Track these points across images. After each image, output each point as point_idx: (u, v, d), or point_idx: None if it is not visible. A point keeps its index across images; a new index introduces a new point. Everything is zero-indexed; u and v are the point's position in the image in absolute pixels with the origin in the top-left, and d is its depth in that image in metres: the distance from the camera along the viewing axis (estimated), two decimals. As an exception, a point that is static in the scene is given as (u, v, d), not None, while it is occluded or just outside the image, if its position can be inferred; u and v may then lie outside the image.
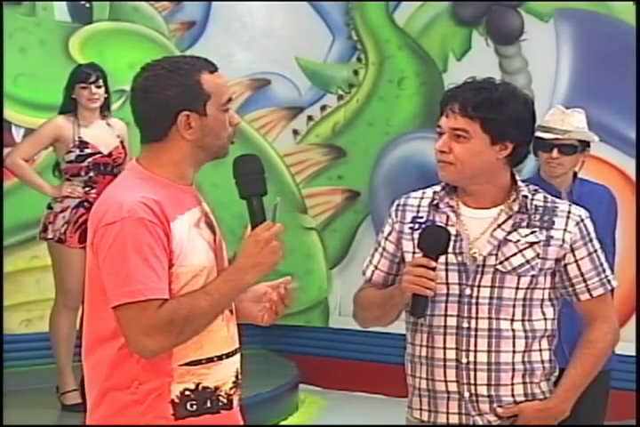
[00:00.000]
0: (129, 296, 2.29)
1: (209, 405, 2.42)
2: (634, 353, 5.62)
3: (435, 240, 2.64)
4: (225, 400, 2.46)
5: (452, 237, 2.69)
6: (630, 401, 5.60)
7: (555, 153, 3.84)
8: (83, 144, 5.23)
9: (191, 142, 2.42)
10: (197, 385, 2.41)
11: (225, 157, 2.49)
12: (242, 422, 2.56)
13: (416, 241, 2.72)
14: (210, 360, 2.42)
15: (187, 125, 2.40)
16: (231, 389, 2.47)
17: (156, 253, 2.31)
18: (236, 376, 2.50)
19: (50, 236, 5.25)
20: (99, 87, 5.26)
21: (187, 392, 2.39)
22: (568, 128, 3.87)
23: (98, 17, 6.46)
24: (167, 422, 2.39)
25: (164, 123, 2.40)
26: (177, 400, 2.39)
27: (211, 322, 2.38)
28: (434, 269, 2.61)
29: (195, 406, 2.40)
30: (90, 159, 5.24)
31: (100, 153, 5.26)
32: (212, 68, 2.45)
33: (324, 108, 7.02)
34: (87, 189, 5.25)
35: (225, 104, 2.45)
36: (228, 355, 2.47)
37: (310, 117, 7.03)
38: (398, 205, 2.82)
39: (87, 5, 6.42)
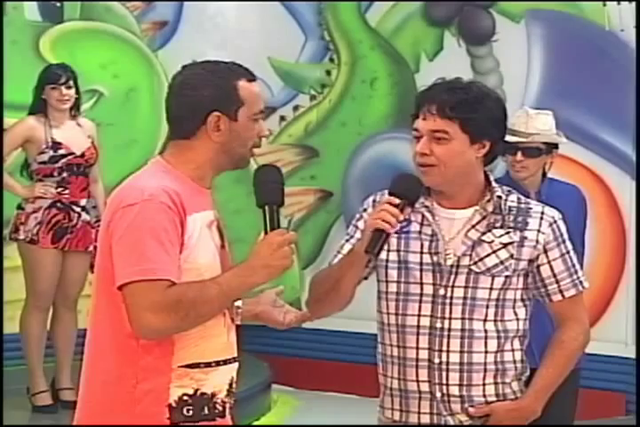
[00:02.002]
0: (140, 274, 2.30)
1: (206, 411, 2.44)
2: (608, 353, 5.68)
3: (403, 182, 2.65)
4: (220, 408, 2.47)
5: (429, 238, 2.71)
6: (601, 400, 5.65)
7: (519, 156, 3.86)
8: (56, 145, 5.21)
9: (217, 145, 2.45)
10: (196, 391, 2.41)
11: (245, 167, 2.52)
12: None
13: (391, 239, 2.67)
14: (208, 365, 2.43)
15: (215, 127, 2.43)
16: (226, 396, 2.49)
17: (171, 238, 2.34)
18: (230, 384, 2.50)
19: (21, 236, 5.22)
20: (69, 88, 5.24)
21: (185, 397, 2.40)
22: (532, 131, 3.88)
23: (69, 16, 6.43)
24: (162, 424, 2.39)
25: (194, 121, 2.43)
26: (174, 405, 2.39)
27: (215, 313, 2.39)
28: (398, 206, 2.59)
29: (191, 412, 2.41)
30: (64, 160, 5.22)
31: (73, 154, 5.24)
32: (251, 77, 2.49)
33: (296, 108, 7.02)
34: (60, 189, 5.23)
35: (257, 114, 2.48)
36: (226, 362, 2.48)
37: (283, 118, 7.03)
38: (375, 202, 2.81)
39: (58, 5, 6.39)
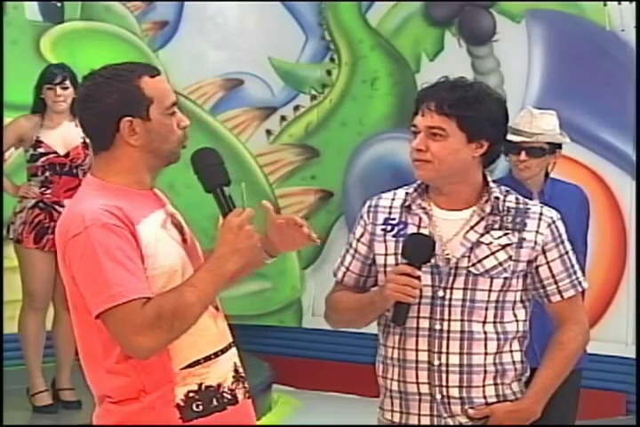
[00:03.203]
0: (111, 301, 2.29)
1: (215, 403, 2.43)
2: (608, 353, 5.68)
3: (419, 248, 2.64)
4: (229, 396, 2.46)
5: None
6: (601, 400, 5.65)
7: (522, 156, 3.86)
8: (37, 144, 5.20)
9: (138, 148, 2.41)
10: (200, 385, 2.41)
11: (177, 161, 2.48)
12: (254, 415, 2.58)
13: (388, 243, 2.73)
14: (207, 359, 2.43)
15: (131, 131, 2.39)
16: (233, 383, 2.48)
17: (128, 255, 2.31)
18: (236, 371, 2.50)
19: (10, 236, 5.25)
20: (65, 88, 5.21)
21: (191, 394, 2.40)
22: (536, 131, 3.88)
23: (69, 16, 6.43)
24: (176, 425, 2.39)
25: (108, 131, 2.40)
26: (182, 404, 2.39)
27: (200, 314, 2.37)
28: (418, 277, 2.61)
29: (201, 407, 2.41)
30: (43, 159, 5.20)
31: (54, 153, 5.20)
32: (154, 73, 2.44)
33: (297, 108, 7.01)
34: (43, 189, 5.22)
35: (169, 108, 2.43)
36: (223, 351, 2.48)
37: (283, 117, 7.03)
38: (370, 207, 2.82)
39: (58, 5, 6.39)
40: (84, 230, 2.31)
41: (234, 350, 2.53)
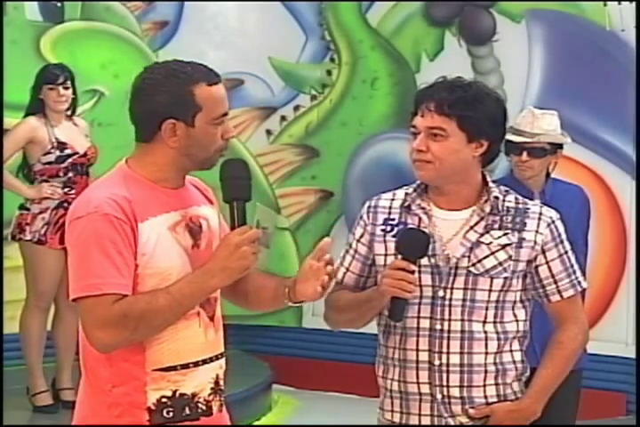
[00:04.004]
0: (85, 290, 2.31)
1: (188, 412, 2.43)
2: (609, 353, 5.68)
3: (414, 243, 2.64)
4: (204, 407, 2.46)
5: None
6: (601, 400, 5.65)
7: (524, 156, 3.86)
8: (61, 145, 5.20)
9: (175, 150, 2.42)
10: (174, 392, 2.41)
11: (210, 168, 2.48)
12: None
13: (388, 243, 2.73)
14: (185, 367, 2.42)
15: (172, 133, 2.40)
16: (210, 395, 2.47)
17: (119, 249, 2.32)
18: (216, 382, 2.49)
19: (28, 237, 5.20)
20: (66, 88, 5.22)
21: (163, 400, 2.40)
22: (537, 131, 3.88)
23: (69, 16, 6.42)
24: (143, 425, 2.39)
25: (151, 126, 2.41)
26: (153, 407, 2.40)
27: (171, 322, 2.36)
28: (413, 272, 2.61)
29: (171, 413, 2.41)
30: (69, 160, 5.22)
31: (77, 153, 5.24)
32: (213, 80, 2.43)
33: (297, 108, 7.02)
34: (67, 189, 5.23)
35: (218, 118, 2.43)
36: (205, 361, 2.46)
37: (283, 117, 7.03)
38: (369, 207, 2.82)
39: (59, 5, 6.38)
40: (85, 215, 2.34)
41: (220, 362, 2.51)
